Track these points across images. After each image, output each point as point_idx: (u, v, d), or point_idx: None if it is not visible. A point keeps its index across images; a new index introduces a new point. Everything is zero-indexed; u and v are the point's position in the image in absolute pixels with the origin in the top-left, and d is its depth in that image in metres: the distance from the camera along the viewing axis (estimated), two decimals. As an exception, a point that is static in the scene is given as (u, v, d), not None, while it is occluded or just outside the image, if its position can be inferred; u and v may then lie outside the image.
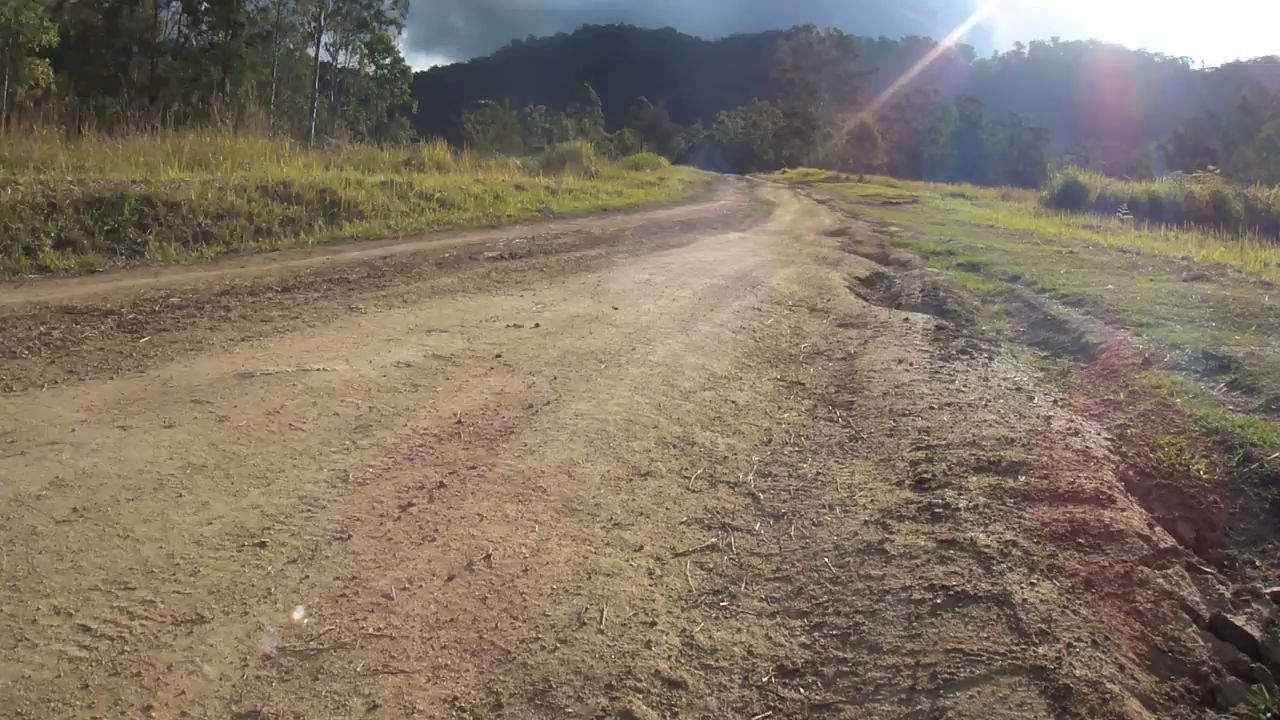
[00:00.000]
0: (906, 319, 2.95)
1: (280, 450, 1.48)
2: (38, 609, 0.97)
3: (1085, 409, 2.02)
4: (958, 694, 0.86)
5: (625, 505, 1.32)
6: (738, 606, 1.05)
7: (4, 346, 2.18)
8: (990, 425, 1.71)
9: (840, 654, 0.94)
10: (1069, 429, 1.71)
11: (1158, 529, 1.33)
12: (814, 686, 0.89)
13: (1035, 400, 1.95)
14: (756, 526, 1.28)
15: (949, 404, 1.87)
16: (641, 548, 1.19)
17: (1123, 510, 1.33)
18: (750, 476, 1.47)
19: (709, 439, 1.64)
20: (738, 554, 1.19)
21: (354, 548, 1.14)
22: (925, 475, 1.45)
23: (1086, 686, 0.86)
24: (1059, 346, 2.75)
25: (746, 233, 6.47)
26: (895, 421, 1.76)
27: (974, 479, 1.43)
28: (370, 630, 0.96)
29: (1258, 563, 1.35)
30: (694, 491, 1.40)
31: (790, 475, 1.49)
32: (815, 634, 0.99)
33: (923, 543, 1.19)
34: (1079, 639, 0.96)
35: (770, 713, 0.85)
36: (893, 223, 8.81)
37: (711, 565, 1.15)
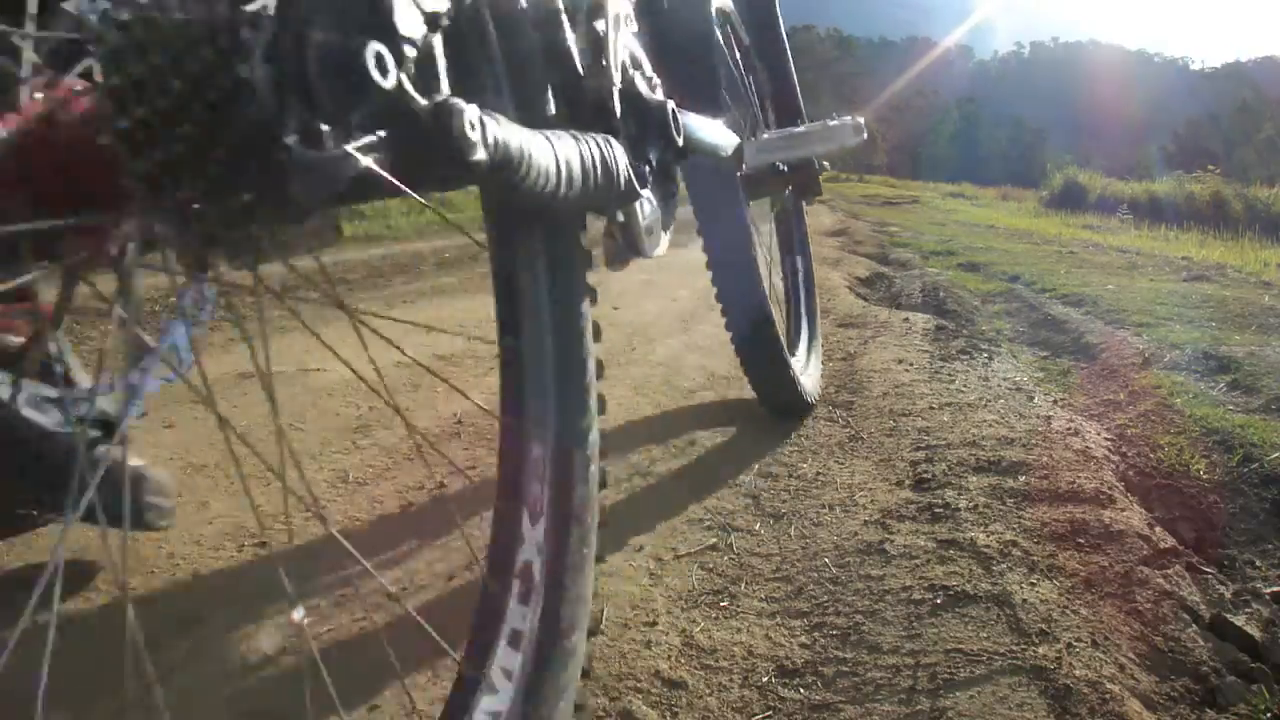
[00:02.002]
0: (906, 319, 2.95)
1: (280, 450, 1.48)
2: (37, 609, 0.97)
3: (1085, 409, 2.02)
4: (958, 694, 0.86)
5: (625, 505, 1.32)
6: (738, 606, 1.05)
7: (4, 346, 2.18)
8: (990, 425, 1.71)
9: (840, 654, 0.94)
10: (1069, 429, 1.71)
11: (1158, 529, 1.33)
12: (814, 686, 0.89)
13: (1035, 400, 1.95)
14: (756, 526, 1.28)
15: (949, 404, 1.87)
16: (642, 548, 1.19)
17: (1123, 510, 1.33)
18: (750, 477, 1.47)
19: (709, 439, 1.64)
20: (738, 554, 1.19)
21: (354, 548, 1.14)
22: (925, 475, 1.45)
23: (1086, 686, 0.86)
24: (1059, 346, 2.75)
25: (746, 233, 6.46)
26: (895, 421, 1.76)
27: (974, 479, 1.43)
28: (370, 630, 0.96)
29: (1258, 563, 1.35)
30: (694, 492, 1.40)
31: (790, 475, 1.49)
32: (815, 634, 0.99)
33: (923, 543, 1.19)
34: (1079, 639, 0.96)
35: (770, 713, 0.85)
36: (892, 223, 8.81)
37: (711, 565, 1.15)
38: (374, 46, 0.40)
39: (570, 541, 0.65)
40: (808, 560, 1.17)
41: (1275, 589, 1.25)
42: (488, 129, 0.46)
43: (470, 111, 0.44)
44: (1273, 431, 1.71)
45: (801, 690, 0.89)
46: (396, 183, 0.44)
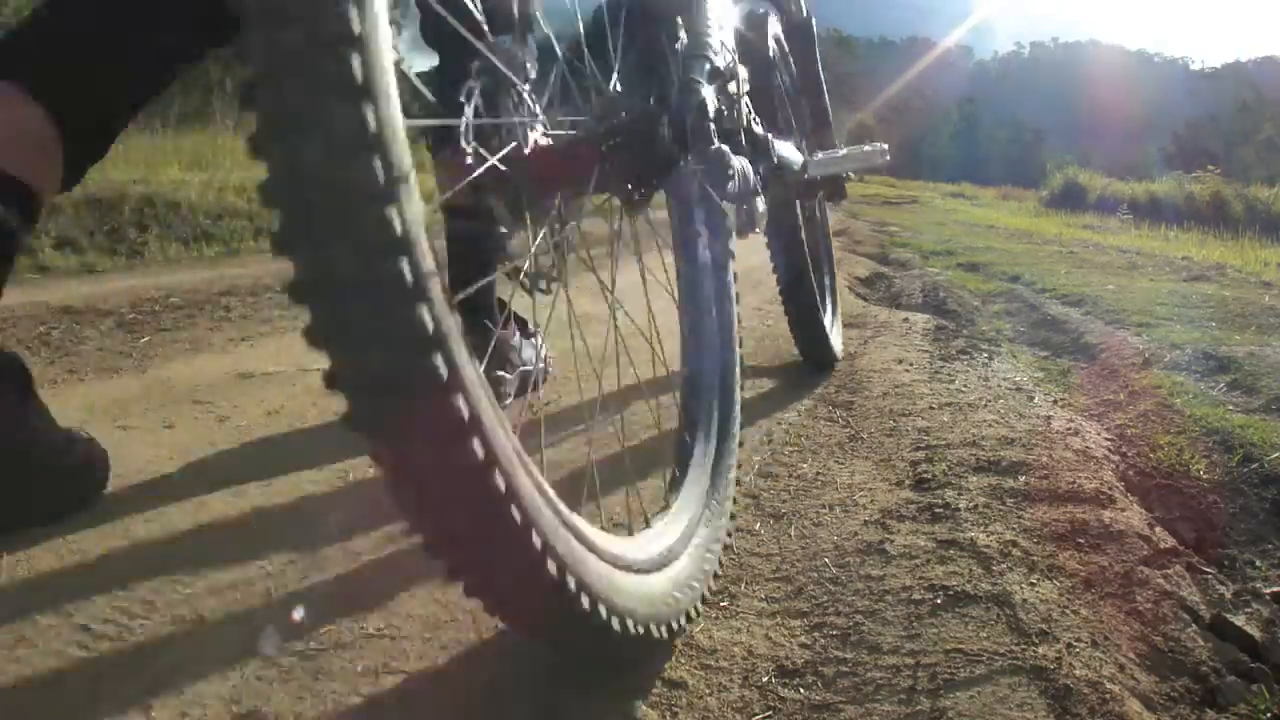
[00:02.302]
0: (906, 319, 2.95)
1: (280, 450, 1.48)
2: (37, 608, 0.97)
3: (1085, 409, 2.02)
4: (958, 694, 0.86)
5: (625, 505, 1.31)
6: (738, 607, 1.05)
7: (4, 346, 2.18)
8: (990, 425, 1.71)
9: (840, 654, 0.94)
10: (1069, 429, 1.71)
11: (1158, 529, 1.33)
12: (814, 686, 0.89)
13: (1035, 400, 1.95)
14: (757, 526, 1.28)
15: (949, 404, 1.87)
16: (641, 548, 1.19)
17: (1123, 510, 1.33)
18: (751, 477, 1.47)
19: (709, 439, 1.64)
20: (738, 554, 1.19)
21: (354, 548, 1.14)
22: (925, 475, 1.45)
23: (1086, 686, 0.86)
24: (1059, 346, 2.75)
25: (746, 233, 6.46)
26: (895, 421, 1.76)
27: (974, 479, 1.43)
28: (370, 630, 0.96)
29: (1258, 563, 1.35)
30: (694, 491, 1.40)
31: (790, 475, 1.49)
32: (815, 634, 0.99)
33: (923, 543, 1.19)
34: (1079, 639, 0.96)
35: (770, 713, 0.85)
36: (892, 223, 8.82)
37: (711, 565, 1.15)
38: (714, 125, 0.92)
39: (728, 380, 1.17)
40: (808, 560, 1.17)
41: (1275, 589, 1.25)
42: (736, 160, 0.95)
43: (730, 152, 0.92)
44: (1273, 431, 1.71)
45: (801, 690, 0.89)
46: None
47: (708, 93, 0.92)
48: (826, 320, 2.18)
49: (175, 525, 1.18)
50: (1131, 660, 0.96)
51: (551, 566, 0.60)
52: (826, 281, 2.39)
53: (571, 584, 0.62)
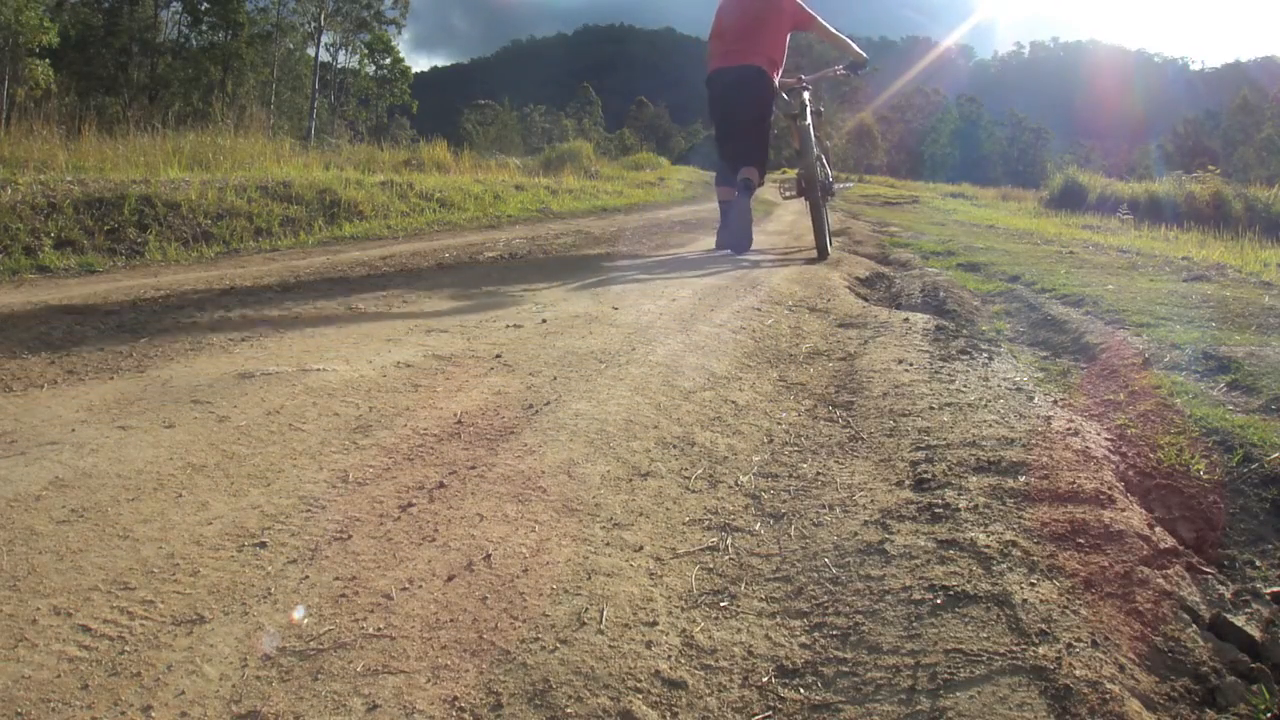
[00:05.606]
0: (906, 319, 2.95)
1: (280, 450, 1.48)
2: (37, 609, 0.97)
3: (1085, 409, 2.01)
4: (958, 694, 0.86)
5: (625, 505, 1.32)
6: (738, 607, 1.05)
7: (4, 346, 2.18)
8: (990, 425, 1.71)
9: (840, 654, 0.94)
10: (1069, 429, 1.71)
11: (1158, 529, 1.33)
12: (814, 686, 0.89)
13: (1035, 400, 1.95)
14: (757, 527, 1.28)
15: (949, 404, 1.87)
16: (642, 548, 1.19)
17: (1123, 510, 1.33)
18: (750, 477, 1.47)
19: (709, 439, 1.64)
20: (738, 554, 1.19)
21: (354, 548, 1.14)
22: (925, 475, 1.45)
23: (1086, 686, 0.86)
24: (1059, 346, 2.75)
25: (746, 233, 6.45)
26: (895, 422, 1.76)
27: (974, 479, 1.43)
28: (370, 630, 0.96)
29: (1258, 563, 1.35)
30: (694, 492, 1.40)
31: (790, 475, 1.49)
32: (815, 634, 0.99)
33: (923, 543, 1.19)
34: (1079, 639, 0.96)
35: (770, 713, 0.85)
36: (893, 223, 8.82)
37: (712, 565, 1.15)
38: (829, 177, 5.81)
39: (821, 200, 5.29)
40: (808, 560, 1.17)
41: (1275, 589, 1.25)
42: (834, 186, 6.32)
43: (819, 163, 5.34)
44: (1273, 431, 1.71)
45: (801, 690, 0.89)
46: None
47: (828, 167, 5.69)
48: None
49: (175, 525, 1.18)
50: (1131, 660, 0.96)
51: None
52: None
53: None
